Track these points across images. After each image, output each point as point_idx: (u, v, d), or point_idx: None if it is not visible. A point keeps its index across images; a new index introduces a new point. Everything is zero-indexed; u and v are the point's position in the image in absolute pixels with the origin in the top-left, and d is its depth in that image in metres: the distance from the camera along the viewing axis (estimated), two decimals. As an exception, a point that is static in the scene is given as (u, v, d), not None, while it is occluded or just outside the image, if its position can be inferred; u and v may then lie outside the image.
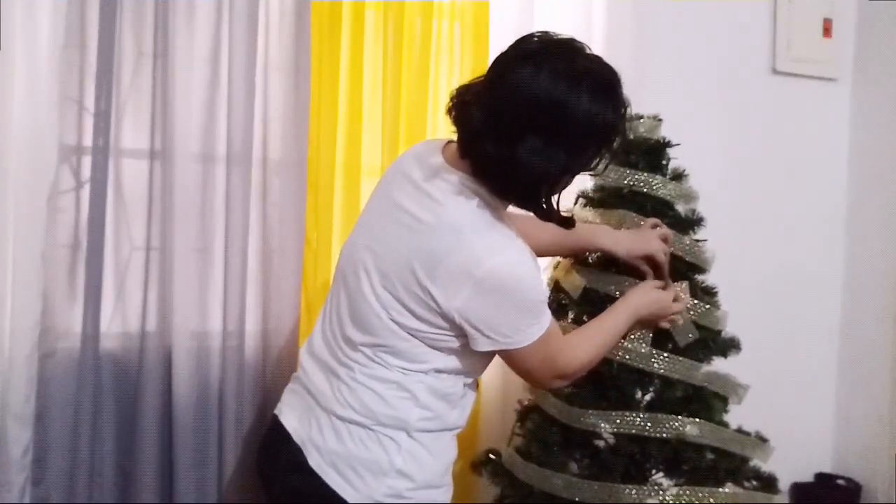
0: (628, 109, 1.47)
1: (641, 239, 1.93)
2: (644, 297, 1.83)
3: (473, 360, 1.60)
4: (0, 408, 2.00)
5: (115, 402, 2.16)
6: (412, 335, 1.51)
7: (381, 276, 1.52)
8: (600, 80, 1.41)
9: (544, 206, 1.46)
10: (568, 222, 1.53)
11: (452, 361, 1.56)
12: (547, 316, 1.56)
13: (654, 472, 2.04)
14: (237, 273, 2.20)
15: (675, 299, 1.90)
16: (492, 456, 2.26)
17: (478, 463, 2.28)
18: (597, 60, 1.45)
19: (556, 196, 1.48)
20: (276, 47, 2.26)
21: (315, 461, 1.53)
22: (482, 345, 1.52)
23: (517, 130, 1.36)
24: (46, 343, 2.06)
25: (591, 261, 2.12)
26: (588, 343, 1.72)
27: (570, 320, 2.12)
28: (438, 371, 1.55)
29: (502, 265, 1.44)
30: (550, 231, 1.85)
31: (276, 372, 2.25)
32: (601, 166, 1.49)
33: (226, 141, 2.21)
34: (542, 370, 1.62)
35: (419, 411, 1.54)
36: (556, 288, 2.16)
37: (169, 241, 2.14)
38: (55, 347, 2.08)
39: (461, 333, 1.52)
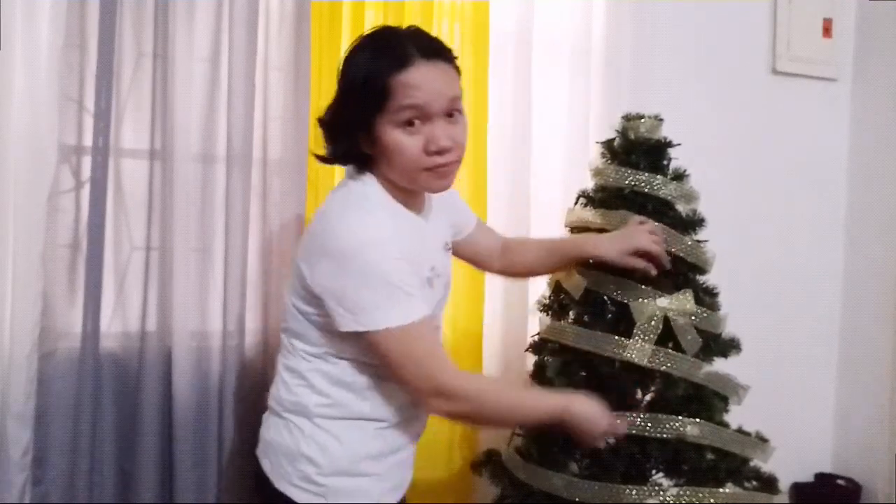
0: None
1: (626, 237, 1.93)
2: (582, 407, 1.65)
3: (362, 344, 1.54)
4: (0, 408, 2.00)
5: (115, 402, 2.16)
6: (304, 317, 1.55)
7: (293, 263, 1.62)
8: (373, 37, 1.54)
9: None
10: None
11: (342, 346, 1.54)
12: (406, 309, 1.46)
13: (654, 472, 2.04)
14: (237, 273, 2.20)
15: (614, 423, 1.73)
16: (492, 456, 2.26)
17: (478, 463, 2.29)
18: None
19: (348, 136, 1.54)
20: (276, 47, 2.26)
21: (258, 450, 1.65)
22: (339, 323, 1.48)
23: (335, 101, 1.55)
24: (46, 343, 2.06)
25: (591, 261, 2.13)
26: (484, 384, 1.66)
27: (570, 320, 2.12)
28: (332, 356, 1.55)
29: (347, 229, 1.46)
30: (533, 250, 1.86)
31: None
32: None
33: (226, 141, 2.21)
34: (416, 377, 1.51)
35: (316, 398, 1.55)
36: (558, 288, 2.16)
37: (169, 241, 2.14)
38: (55, 347, 2.08)
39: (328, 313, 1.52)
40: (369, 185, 1.54)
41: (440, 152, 1.48)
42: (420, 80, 1.44)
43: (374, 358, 1.54)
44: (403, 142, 1.47)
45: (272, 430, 1.60)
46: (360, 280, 1.44)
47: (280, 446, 1.57)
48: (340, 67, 1.53)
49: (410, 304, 1.47)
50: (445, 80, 1.48)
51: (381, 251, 1.45)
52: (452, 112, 1.50)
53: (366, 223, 1.47)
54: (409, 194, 1.57)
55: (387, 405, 1.60)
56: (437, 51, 1.49)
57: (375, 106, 1.45)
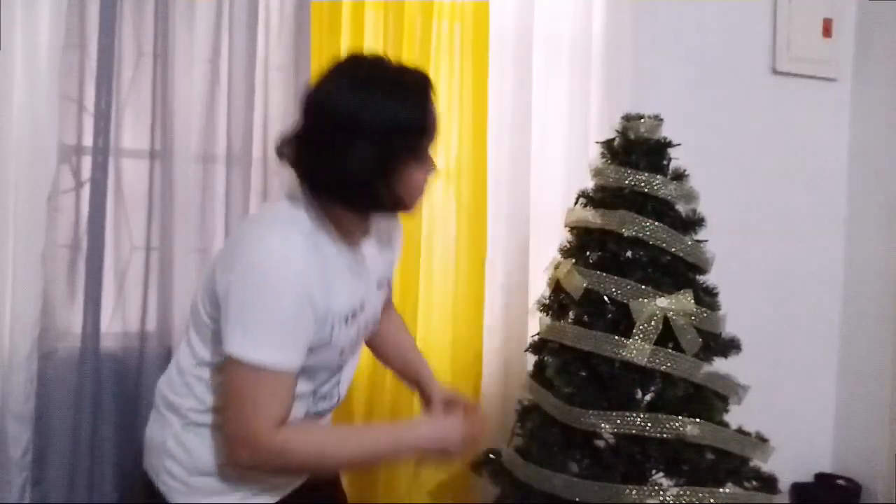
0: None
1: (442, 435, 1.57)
2: (429, 433, 1.53)
3: None
4: (0, 408, 2.00)
5: (115, 402, 2.16)
6: (204, 321, 1.48)
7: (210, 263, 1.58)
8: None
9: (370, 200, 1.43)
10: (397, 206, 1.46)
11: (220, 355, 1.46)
12: (270, 352, 1.37)
13: (654, 472, 2.04)
14: (237, 273, 2.20)
15: (474, 426, 1.56)
16: (492, 456, 2.26)
17: (478, 463, 2.28)
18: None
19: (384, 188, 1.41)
20: (276, 47, 2.26)
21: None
22: (223, 339, 1.41)
23: (326, 139, 1.39)
24: (46, 343, 2.06)
25: (591, 262, 2.13)
26: (317, 437, 1.48)
27: (570, 320, 2.13)
28: (217, 366, 1.48)
29: (266, 249, 1.39)
30: (393, 348, 1.76)
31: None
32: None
33: (226, 141, 2.21)
34: (233, 419, 1.41)
35: (191, 401, 1.50)
36: (558, 288, 2.16)
37: (169, 241, 2.14)
38: (55, 347, 2.08)
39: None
40: (305, 212, 1.44)
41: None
42: (435, 114, 1.43)
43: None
44: (422, 177, 1.43)
45: (150, 424, 1.57)
46: (251, 302, 1.37)
47: (152, 441, 1.54)
48: (338, 108, 1.38)
49: (278, 351, 1.38)
50: None
51: (286, 283, 1.37)
52: None
53: (286, 249, 1.39)
54: (351, 226, 1.48)
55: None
56: None
57: (415, 148, 1.39)
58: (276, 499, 1.55)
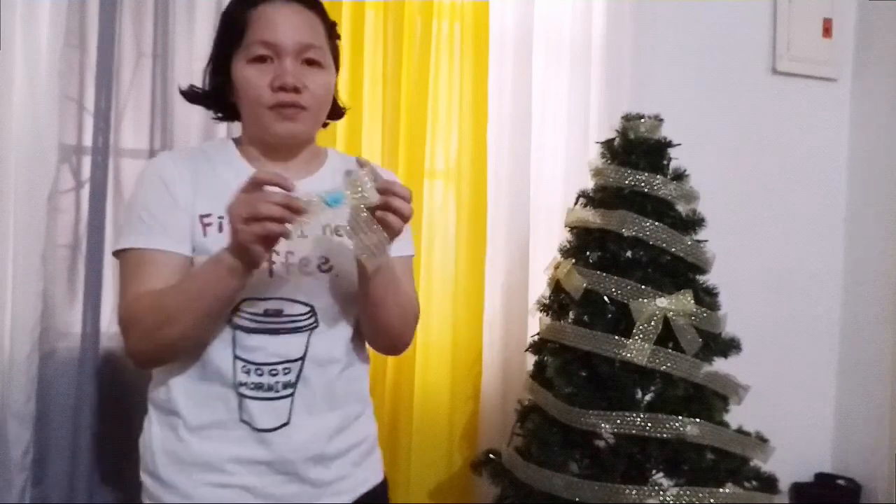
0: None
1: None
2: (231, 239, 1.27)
3: None
4: (0, 408, 2.00)
5: (115, 402, 2.16)
6: None
7: None
8: None
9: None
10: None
11: None
12: (132, 233, 1.38)
13: (654, 472, 2.04)
14: (237, 273, 2.20)
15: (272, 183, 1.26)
16: (492, 456, 2.26)
17: (478, 463, 2.29)
18: None
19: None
20: (277, 47, 2.26)
21: None
22: None
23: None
24: (46, 343, 2.06)
25: (591, 262, 2.13)
26: (155, 292, 1.34)
27: (570, 320, 2.13)
28: None
29: None
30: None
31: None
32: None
33: (226, 141, 2.21)
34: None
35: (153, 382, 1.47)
36: (557, 288, 2.17)
37: (169, 241, 2.14)
38: (55, 347, 2.08)
39: None
40: (225, 141, 1.57)
41: (284, 88, 1.37)
42: (274, 16, 1.40)
43: None
44: (251, 75, 1.40)
45: None
46: (127, 205, 1.50)
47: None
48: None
49: (140, 234, 1.37)
50: (302, 24, 1.43)
51: (149, 175, 1.43)
52: (312, 61, 1.42)
53: (161, 156, 1.51)
54: (260, 152, 1.46)
55: (183, 396, 1.38)
56: None
57: (232, 41, 1.43)
58: None
